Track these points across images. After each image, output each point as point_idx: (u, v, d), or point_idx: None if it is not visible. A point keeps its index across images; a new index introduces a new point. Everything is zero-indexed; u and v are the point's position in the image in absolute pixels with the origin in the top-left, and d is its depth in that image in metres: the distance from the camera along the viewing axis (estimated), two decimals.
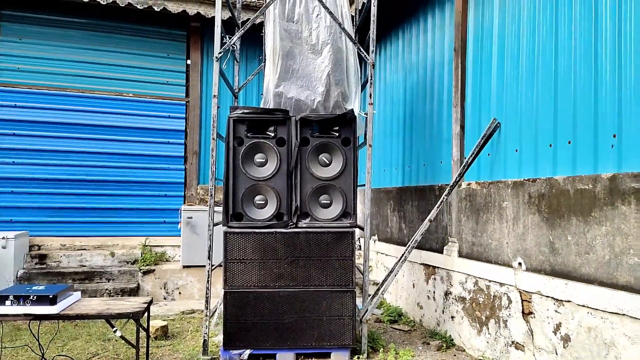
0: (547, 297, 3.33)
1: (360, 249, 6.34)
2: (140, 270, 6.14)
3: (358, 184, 4.15)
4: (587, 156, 3.14)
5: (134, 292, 5.94)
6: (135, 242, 6.82)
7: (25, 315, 3.08)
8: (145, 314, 3.56)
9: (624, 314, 2.71)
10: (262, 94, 4.65)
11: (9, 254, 5.68)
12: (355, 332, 4.02)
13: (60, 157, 6.69)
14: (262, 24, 5.71)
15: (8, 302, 3.07)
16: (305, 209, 4.03)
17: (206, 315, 4.01)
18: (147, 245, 6.74)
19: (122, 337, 3.31)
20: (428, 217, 4.20)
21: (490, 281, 3.98)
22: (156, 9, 6.52)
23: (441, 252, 4.75)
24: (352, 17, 5.20)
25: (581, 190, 3.11)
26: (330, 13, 4.16)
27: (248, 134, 4.03)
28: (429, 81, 5.30)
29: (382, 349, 4.16)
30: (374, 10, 4.25)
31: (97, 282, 5.97)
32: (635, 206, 2.71)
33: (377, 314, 5.45)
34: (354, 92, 4.39)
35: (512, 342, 3.69)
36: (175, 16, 6.77)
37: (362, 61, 4.78)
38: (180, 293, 6.23)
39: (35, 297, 3.07)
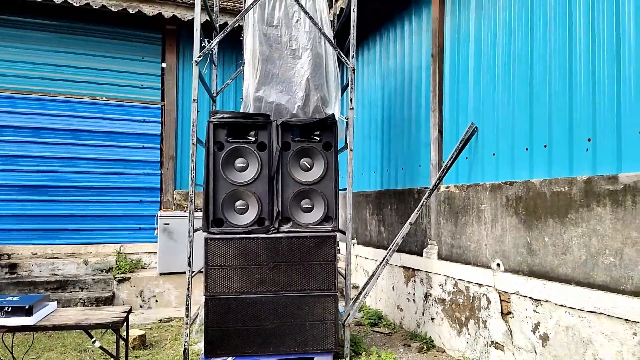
0: (526, 297, 3.41)
1: (339, 252, 6.35)
2: (115, 278, 6.00)
3: (339, 188, 4.17)
4: (563, 159, 3.24)
5: (109, 301, 5.80)
6: (109, 249, 6.67)
7: (0, 327, 2.97)
8: (125, 324, 3.48)
9: (600, 313, 2.80)
10: (241, 98, 4.62)
11: None
12: (338, 336, 4.02)
13: (30, 163, 6.48)
14: (240, 28, 5.68)
15: None
16: (286, 214, 4.02)
17: (186, 323, 3.94)
18: (121, 253, 6.60)
19: (101, 347, 3.22)
20: (409, 220, 4.25)
21: (469, 282, 4.05)
22: (131, 12, 6.41)
23: (420, 254, 4.81)
24: (331, 22, 5.23)
25: (557, 192, 3.20)
26: (311, 18, 4.18)
27: (228, 139, 4.00)
28: (407, 86, 5.38)
29: (364, 352, 4.18)
30: (353, 15, 4.28)
31: (71, 292, 5.81)
32: (611, 208, 2.80)
33: (357, 318, 5.47)
34: (334, 97, 4.41)
35: (492, 342, 3.75)
36: (151, 19, 6.66)
37: (341, 65, 4.80)
38: (157, 301, 6.11)
39: (10, 308, 2.96)
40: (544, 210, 3.30)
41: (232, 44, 6.82)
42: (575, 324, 2.99)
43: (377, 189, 6.05)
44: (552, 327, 3.17)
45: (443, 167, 4.24)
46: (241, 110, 4.32)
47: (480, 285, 3.91)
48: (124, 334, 3.62)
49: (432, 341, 4.53)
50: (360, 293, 4.27)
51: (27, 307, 2.97)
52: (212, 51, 5.34)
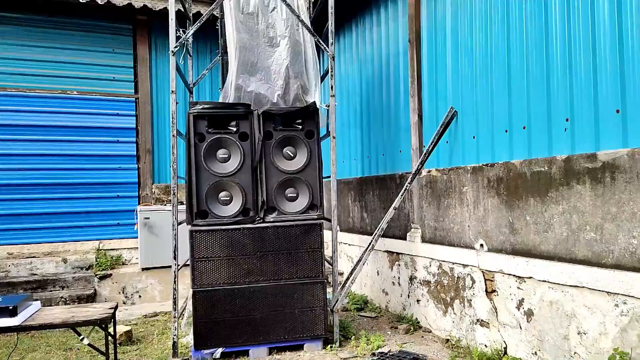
0: (510, 275, 3.50)
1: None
2: (96, 275, 5.89)
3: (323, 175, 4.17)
4: (542, 140, 3.32)
5: (92, 298, 5.70)
6: (88, 246, 6.53)
7: None
8: (112, 320, 3.43)
9: (583, 287, 2.90)
10: (220, 89, 4.55)
11: None
12: (327, 322, 4.06)
13: (0, 161, 6.27)
14: (215, 17, 5.58)
15: None
16: (271, 203, 4.01)
17: (174, 317, 3.91)
18: (101, 250, 6.47)
19: (90, 344, 3.17)
20: (392, 205, 4.29)
21: (453, 263, 4.13)
22: (99, 2, 6.22)
23: (404, 238, 4.87)
24: (307, 8, 5.18)
25: (537, 172, 3.27)
26: (288, 5, 4.14)
27: (209, 130, 3.95)
28: (385, 72, 5.39)
29: (353, 336, 4.23)
30: (331, 2, 4.26)
31: (51, 291, 5.68)
32: (590, 185, 2.89)
33: (343, 303, 5.52)
34: (313, 85, 4.39)
35: (477, 320, 3.85)
36: (121, 9, 6.48)
37: (319, 52, 4.77)
38: (140, 296, 6.03)
39: None
40: (525, 190, 3.38)
41: (205, 33, 6.70)
42: (558, 298, 3.09)
43: (359, 175, 6.08)
44: (536, 302, 3.27)
45: (425, 152, 4.29)
46: (220, 100, 4.27)
47: (465, 266, 3.99)
48: (111, 330, 3.57)
49: (419, 322, 4.62)
50: (347, 279, 4.31)
51: (11, 307, 2.90)
52: (187, 41, 5.24)
